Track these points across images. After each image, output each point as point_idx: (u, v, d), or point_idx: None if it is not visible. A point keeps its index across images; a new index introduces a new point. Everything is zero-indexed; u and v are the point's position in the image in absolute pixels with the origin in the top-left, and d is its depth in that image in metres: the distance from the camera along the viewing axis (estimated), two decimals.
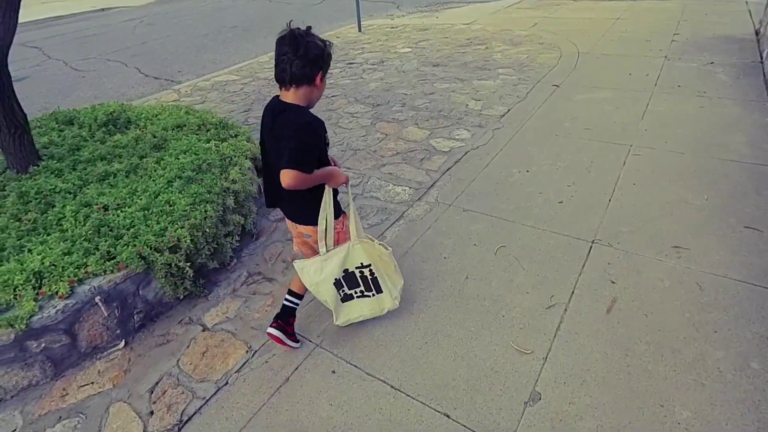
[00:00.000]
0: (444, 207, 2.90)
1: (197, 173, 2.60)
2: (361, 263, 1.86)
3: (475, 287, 2.24)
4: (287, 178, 1.48)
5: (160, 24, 10.57)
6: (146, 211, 2.30)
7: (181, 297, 2.27)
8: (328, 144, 1.70)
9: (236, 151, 2.95)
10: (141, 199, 2.39)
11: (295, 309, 2.00)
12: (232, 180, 2.63)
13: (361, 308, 1.97)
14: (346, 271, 1.86)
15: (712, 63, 4.94)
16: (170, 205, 2.34)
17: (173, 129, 3.24)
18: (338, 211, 1.80)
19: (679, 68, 4.90)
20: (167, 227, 2.19)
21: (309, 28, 1.53)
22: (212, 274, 2.46)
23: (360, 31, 8.05)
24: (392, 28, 8.19)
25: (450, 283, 2.27)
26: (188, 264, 2.19)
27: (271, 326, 1.95)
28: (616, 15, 7.50)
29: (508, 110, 4.24)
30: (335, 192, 1.76)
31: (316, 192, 1.69)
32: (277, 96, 1.61)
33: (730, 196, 2.75)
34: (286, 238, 2.75)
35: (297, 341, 2.02)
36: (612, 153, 3.34)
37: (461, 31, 7.38)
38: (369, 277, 1.89)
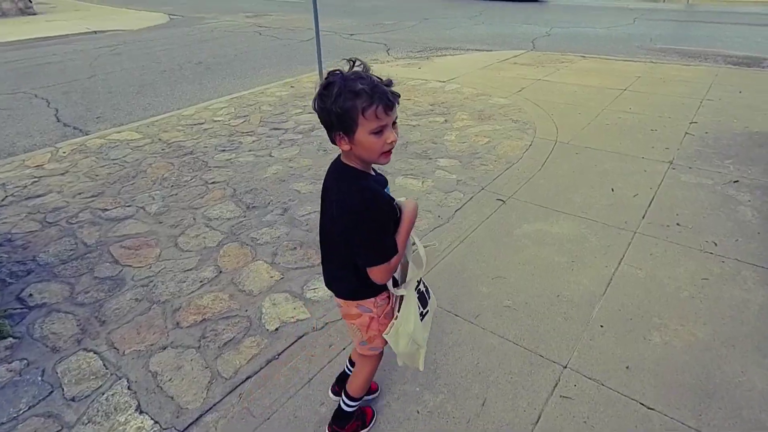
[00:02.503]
0: None
1: None
2: (417, 281, 1.49)
3: None
4: (379, 275, 1.28)
5: (128, 54, 9.75)
6: None
7: None
8: (400, 211, 1.35)
9: None
10: None
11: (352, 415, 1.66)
12: None
13: (428, 329, 1.57)
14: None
15: (735, 182, 3.47)
16: None
17: None
18: (379, 287, 1.41)
19: (685, 186, 3.44)
20: None
21: (340, 73, 1.19)
22: None
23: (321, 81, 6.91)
24: None
25: None
26: None
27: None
28: (625, 84, 6.09)
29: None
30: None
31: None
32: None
33: None
34: None
35: None
36: (526, 383, 1.92)
37: (431, 92, 6.11)
38: (423, 290, 1.53)
